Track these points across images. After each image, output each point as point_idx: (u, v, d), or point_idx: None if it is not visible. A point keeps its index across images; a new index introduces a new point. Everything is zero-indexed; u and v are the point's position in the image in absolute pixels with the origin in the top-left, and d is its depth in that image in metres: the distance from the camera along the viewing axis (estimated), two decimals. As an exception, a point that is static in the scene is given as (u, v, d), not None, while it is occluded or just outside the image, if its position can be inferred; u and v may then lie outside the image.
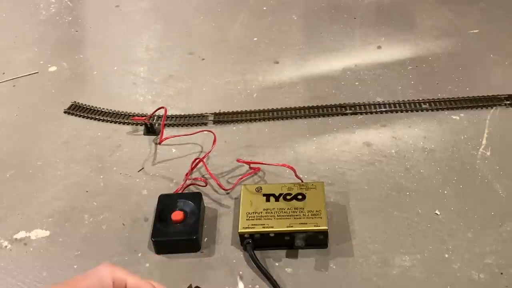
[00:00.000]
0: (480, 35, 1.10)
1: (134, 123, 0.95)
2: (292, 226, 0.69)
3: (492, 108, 0.93)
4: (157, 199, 0.77)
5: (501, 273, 0.67)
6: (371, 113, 0.94)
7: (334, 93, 0.99)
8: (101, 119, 0.97)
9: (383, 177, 0.82)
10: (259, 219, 0.71)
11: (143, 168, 0.86)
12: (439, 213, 0.75)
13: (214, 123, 0.95)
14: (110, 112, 0.98)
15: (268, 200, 0.73)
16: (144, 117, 0.93)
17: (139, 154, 0.89)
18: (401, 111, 0.93)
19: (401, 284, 0.67)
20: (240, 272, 0.70)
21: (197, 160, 0.83)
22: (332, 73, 1.04)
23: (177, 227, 0.73)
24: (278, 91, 1.01)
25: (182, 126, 0.94)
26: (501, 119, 0.91)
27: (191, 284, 0.60)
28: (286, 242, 0.71)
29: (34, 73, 1.10)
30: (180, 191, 0.80)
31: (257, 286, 0.68)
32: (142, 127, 0.94)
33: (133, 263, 0.72)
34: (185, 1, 1.30)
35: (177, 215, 0.73)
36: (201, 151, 0.89)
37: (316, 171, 0.83)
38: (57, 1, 1.34)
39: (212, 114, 0.96)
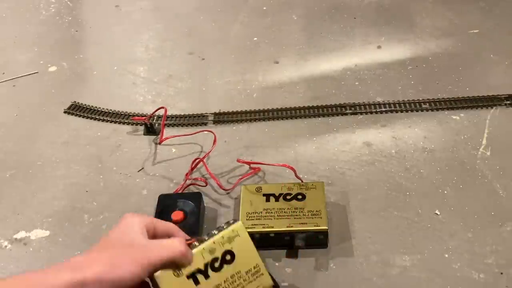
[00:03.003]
0: (480, 35, 1.10)
1: (134, 123, 0.95)
2: (292, 226, 0.69)
3: (492, 108, 0.93)
4: (157, 199, 0.77)
5: (501, 273, 0.68)
6: (371, 113, 0.94)
7: (334, 93, 0.99)
8: (101, 119, 0.97)
9: (383, 177, 0.82)
10: (259, 219, 0.71)
11: (143, 168, 0.86)
12: (439, 213, 0.76)
13: (214, 123, 0.95)
14: (110, 112, 0.98)
15: (268, 200, 0.73)
16: (144, 117, 0.93)
17: (139, 154, 0.89)
18: (401, 111, 0.94)
19: (401, 284, 0.67)
20: (240, 272, 0.70)
21: (197, 160, 0.83)
22: (332, 73, 1.04)
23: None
24: (278, 91, 1.01)
25: (182, 126, 0.94)
26: (501, 119, 0.91)
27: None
28: (286, 242, 0.71)
29: (34, 73, 1.10)
30: (180, 191, 0.80)
31: (257, 286, 0.68)
32: (142, 127, 0.94)
33: (133, 263, 0.72)
34: (185, 1, 1.30)
35: (177, 215, 0.73)
36: (201, 151, 0.89)
37: (316, 171, 0.83)
38: (57, 1, 1.34)
39: (212, 114, 0.96)
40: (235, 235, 0.57)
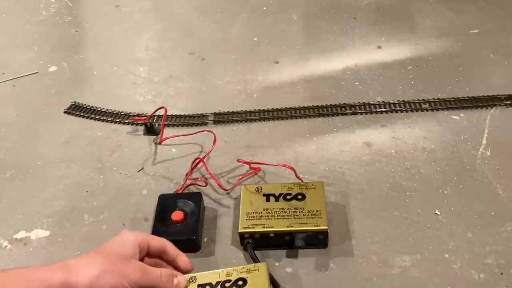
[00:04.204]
0: (480, 35, 1.10)
1: (134, 123, 0.95)
2: (292, 226, 0.69)
3: (492, 108, 0.93)
4: (157, 199, 0.77)
5: (501, 273, 0.68)
6: (371, 113, 0.94)
7: (334, 93, 0.99)
8: (101, 119, 0.97)
9: (383, 177, 0.82)
10: (259, 219, 0.71)
11: (143, 168, 0.86)
12: (439, 213, 0.76)
13: (214, 123, 0.95)
14: (110, 112, 0.98)
15: (268, 200, 0.73)
16: (144, 117, 0.93)
17: (139, 154, 0.89)
18: (401, 111, 0.94)
19: (401, 284, 0.67)
20: (240, 272, 0.70)
21: (197, 160, 0.83)
22: (332, 73, 1.04)
23: (177, 227, 0.73)
24: (278, 91, 1.01)
25: (182, 126, 0.94)
26: (501, 119, 0.91)
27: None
28: (286, 242, 0.71)
29: (34, 73, 1.10)
30: (180, 191, 0.80)
31: (257, 286, 0.68)
32: (142, 127, 0.94)
33: (133, 263, 0.72)
34: (185, 1, 1.30)
35: (177, 215, 0.73)
36: (201, 151, 0.89)
37: (316, 171, 0.83)
38: (57, 1, 1.34)
39: (212, 114, 0.96)
40: (254, 269, 0.62)
